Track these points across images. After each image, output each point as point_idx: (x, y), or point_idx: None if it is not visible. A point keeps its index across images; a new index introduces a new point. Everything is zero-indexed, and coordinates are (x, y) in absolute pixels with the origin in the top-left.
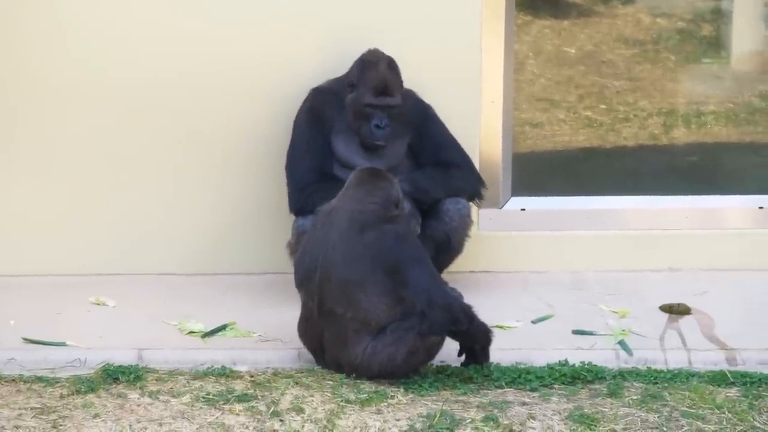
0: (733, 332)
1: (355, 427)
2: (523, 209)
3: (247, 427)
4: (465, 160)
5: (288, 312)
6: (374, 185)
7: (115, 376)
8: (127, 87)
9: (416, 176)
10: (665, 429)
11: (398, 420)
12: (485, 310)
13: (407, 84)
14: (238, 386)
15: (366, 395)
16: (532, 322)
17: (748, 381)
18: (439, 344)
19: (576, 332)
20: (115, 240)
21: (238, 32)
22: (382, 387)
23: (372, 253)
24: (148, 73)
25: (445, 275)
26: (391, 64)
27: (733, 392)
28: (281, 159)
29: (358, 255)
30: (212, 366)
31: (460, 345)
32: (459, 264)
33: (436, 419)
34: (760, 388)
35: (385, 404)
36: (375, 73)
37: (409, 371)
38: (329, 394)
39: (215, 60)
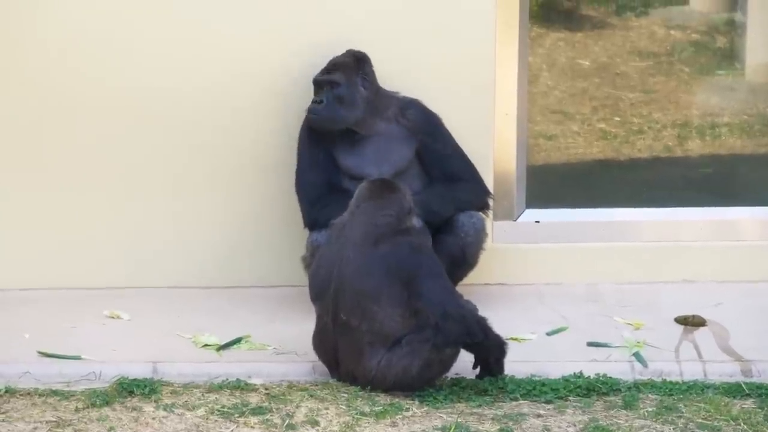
0: (749, 344)
1: None
2: (538, 221)
3: None
4: (471, 171)
5: (303, 325)
6: (386, 197)
7: (130, 389)
8: (141, 100)
9: (425, 198)
10: None
11: None
12: (500, 323)
13: (418, 94)
14: (253, 399)
15: (381, 408)
16: (547, 334)
17: (763, 393)
18: (454, 356)
19: (591, 344)
20: (128, 253)
21: (252, 46)
22: (396, 399)
23: (387, 265)
24: (161, 87)
25: (460, 288)
26: (356, 54)
27: (748, 404)
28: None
29: (372, 267)
30: (227, 379)
31: (475, 357)
32: (473, 276)
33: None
34: None
35: (400, 417)
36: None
37: (424, 384)
38: (344, 407)
39: (229, 73)
